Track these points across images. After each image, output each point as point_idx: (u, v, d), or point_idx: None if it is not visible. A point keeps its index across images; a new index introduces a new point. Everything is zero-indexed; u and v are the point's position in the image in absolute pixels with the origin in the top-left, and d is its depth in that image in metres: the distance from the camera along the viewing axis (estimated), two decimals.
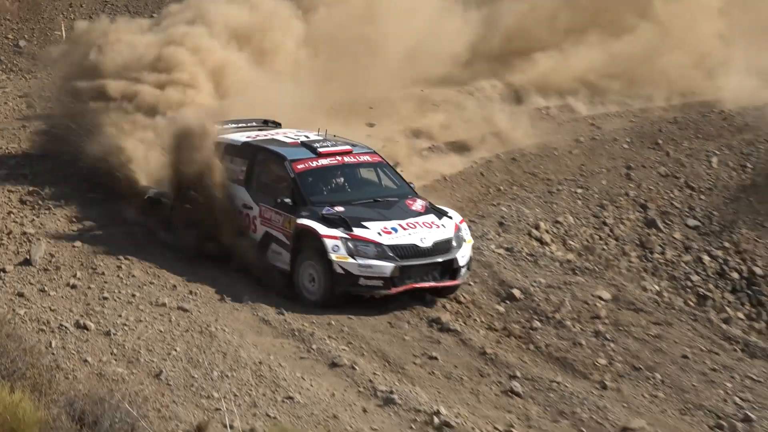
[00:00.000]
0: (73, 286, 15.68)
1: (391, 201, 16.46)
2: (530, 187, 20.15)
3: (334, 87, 19.90)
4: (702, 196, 20.28)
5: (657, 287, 18.62)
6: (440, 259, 15.64)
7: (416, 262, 15.46)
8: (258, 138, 17.15)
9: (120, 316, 14.90)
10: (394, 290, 15.28)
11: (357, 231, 15.49)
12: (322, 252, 15.41)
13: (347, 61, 20.36)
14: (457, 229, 16.15)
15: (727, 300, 18.78)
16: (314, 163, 16.54)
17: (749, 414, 13.74)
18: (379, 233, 15.59)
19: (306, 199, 16.01)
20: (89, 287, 15.66)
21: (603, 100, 22.20)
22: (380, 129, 20.13)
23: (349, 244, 15.42)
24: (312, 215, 15.74)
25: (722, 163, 20.82)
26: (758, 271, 19.17)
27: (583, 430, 13.29)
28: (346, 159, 16.83)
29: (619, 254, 19.21)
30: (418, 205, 16.48)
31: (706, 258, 19.34)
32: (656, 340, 15.25)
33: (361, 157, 17.01)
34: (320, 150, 16.63)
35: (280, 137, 17.17)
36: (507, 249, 17.88)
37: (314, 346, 14.42)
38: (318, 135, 17.24)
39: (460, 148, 20.59)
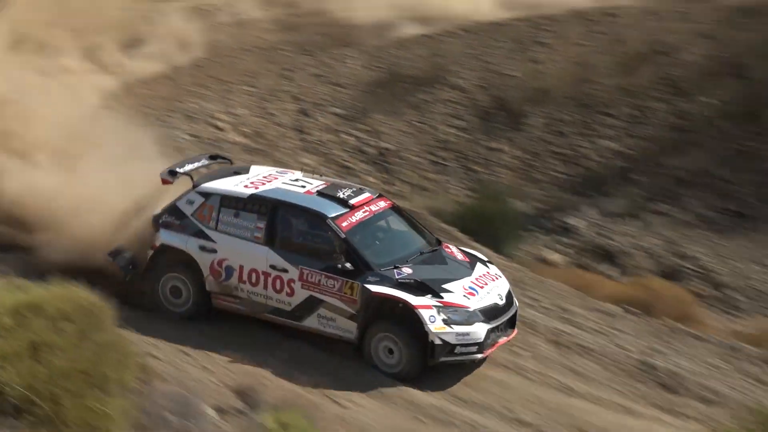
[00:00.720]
0: None
1: (435, 253, 13.85)
2: (211, 87, 21.66)
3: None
4: (345, 90, 22.19)
5: (311, 161, 20.50)
6: (511, 314, 13.49)
7: (499, 321, 13.11)
8: (262, 188, 13.74)
9: None
10: (485, 353, 12.94)
11: (446, 297, 12.91)
12: (411, 323, 12.68)
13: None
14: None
15: (364, 169, 20.91)
16: (354, 218, 13.45)
17: None
18: (465, 296, 13.07)
19: (369, 263, 13.02)
20: None
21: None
22: (79, 42, 20.53)
23: (442, 313, 12.74)
24: (385, 281, 12.90)
25: (360, 64, 22.77)
26: (387, 146, 21.37)
27: None
28: (372, 208, 13.84)
29: (281, 137, 20.98)
30: (456, 252, 14.11)
31: (348, 138, 21.38)
32: None
33: (379, 203, 14.01)
34: (351, 202, 13.61)
35: (280, 184, 13.89)
36: (193, 135, 19.68)
37: None
38: (308, 176, 14.32)
39: (151, 56, 21.79)
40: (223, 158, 15.12)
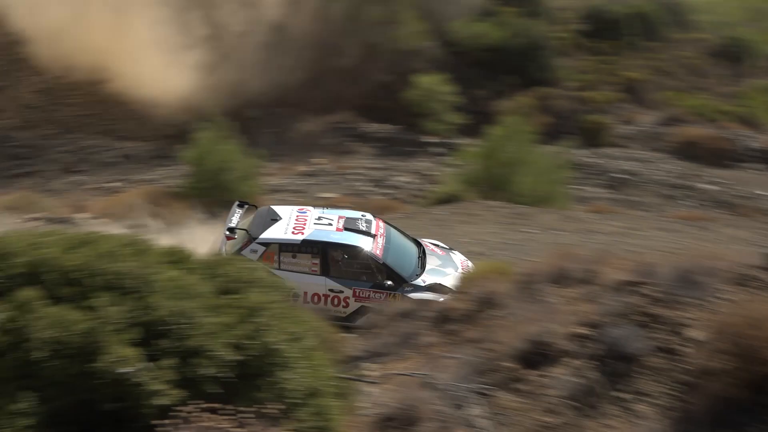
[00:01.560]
0: None
1: (427, 254, 17.29)
2: None
3: None
4: None
5: None
6: None
7: None
8: (307, 234, 16.60)
9: None
10: None
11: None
12: None
13: None
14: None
15: None
16: (379, 244, 16.79)
17: None
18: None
19: (403, 278, 16.47)
20: None
21: None
22: None
23: None
24: (418, 289, 16.32)
25: None
26: None
27: None
28: (381, 231, 17.11)
29: None
30: (432, 246, 17.73)
31: None
32: None
33: (380, 224, 17.31)
34: (372, 232, 16.88)
35: (314, 226, 16.75)
36: None
37: None
38: (324, 212, 17.13)
39: None
40: (248, 204, 18.09)
